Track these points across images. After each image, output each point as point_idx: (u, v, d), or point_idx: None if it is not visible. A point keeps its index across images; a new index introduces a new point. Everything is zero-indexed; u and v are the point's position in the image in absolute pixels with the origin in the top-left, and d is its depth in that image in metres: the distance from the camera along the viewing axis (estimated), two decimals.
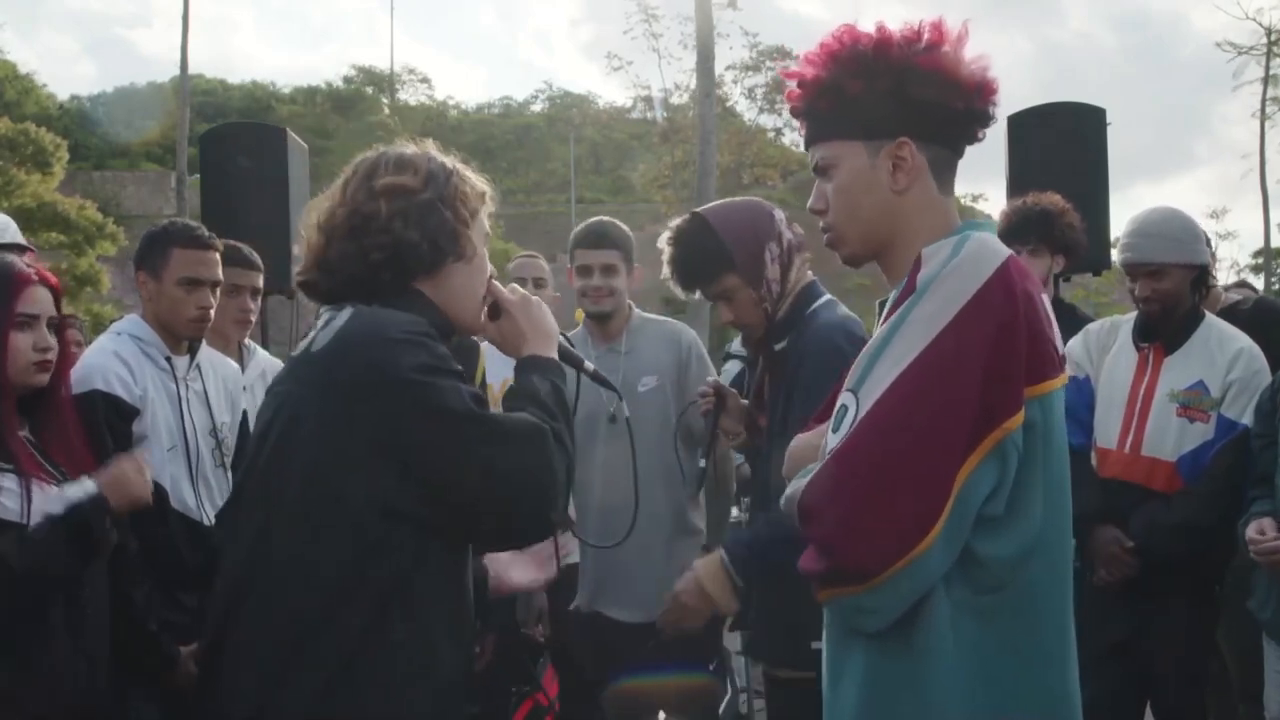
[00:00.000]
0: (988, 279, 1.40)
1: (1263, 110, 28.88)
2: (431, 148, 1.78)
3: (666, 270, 2.48)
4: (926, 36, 1.53)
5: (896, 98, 1.52)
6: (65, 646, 2.03)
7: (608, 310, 3.20)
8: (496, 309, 1.81)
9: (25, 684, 1.95)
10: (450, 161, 1.76)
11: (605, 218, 3.35)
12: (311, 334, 1.67)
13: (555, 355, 1.81)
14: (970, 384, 1.36)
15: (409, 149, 1.76)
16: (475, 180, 1.78)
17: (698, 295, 2.50)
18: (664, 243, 2.47)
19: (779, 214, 2.46)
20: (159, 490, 2.51)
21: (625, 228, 3.30)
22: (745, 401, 2.65)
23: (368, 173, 1.71)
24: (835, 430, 1.43)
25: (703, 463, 2.67)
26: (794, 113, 1.65)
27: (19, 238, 3.23)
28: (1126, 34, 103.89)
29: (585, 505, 3.11)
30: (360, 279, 1.67)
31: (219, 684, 1.60)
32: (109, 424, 2.43)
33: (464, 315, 1.77)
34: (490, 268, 1.82)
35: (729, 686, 3.86)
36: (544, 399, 1.69)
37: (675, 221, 2.50)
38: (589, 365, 2.00)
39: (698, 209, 2.52)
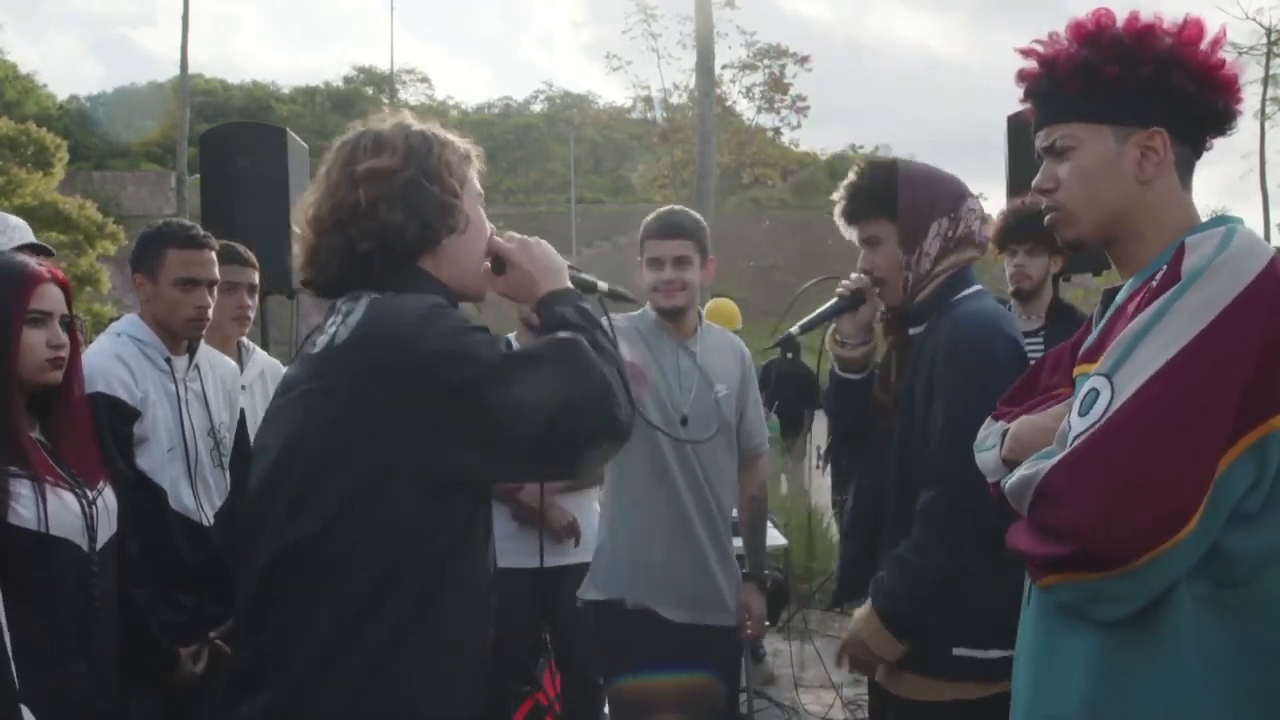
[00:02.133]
0: (1258, 273, 1.38)
1: (1263, 110, 28.84)
2: (409, 117, 1.72)
3: (838, 200, 2.40)
4: (1187, 31, 1.52)
5: (1157, 87, 1.51)
6: (72, 645, 2.03)
7: (681, 305, 3.00)
8: (500, 263, 1.77)
9: (30, 683, 1.95)
10: (430, 129, 1.70)
11: (678, 206, 3.16)
12: (332, 328, 1.62)
13: (569, 285, 1.78)
14: (1237, 378, 1.34)
15: (385, 125, 1.69)
16: (458, 143, 1.73)
17: (855, 236, 2.39)
18: (851, 172, 2.40)
19: (974, 204, 2.35)
20: (158, 491, 2.52)
21: (698, 216, 3.10)
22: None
23: (347, 159, 1.66)
24: (1083, 414, 1.41)
25: (796, 328, 2.47)
26: (1028, 92, 1.62)
27: (32, 238, 3.22)
28: None
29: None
30: (352, 271, 1.63)
31: (256, 674, 1.57)
32: (110, 427, 2.43)
33: (470, 284, 1.74)
34: (490, 225, 1.78)
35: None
36: (571, 319, 1.68)
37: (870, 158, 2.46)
38: (603, 285, 1.95)
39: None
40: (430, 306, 1.57)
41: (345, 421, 1.54)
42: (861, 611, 2.25)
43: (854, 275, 2.42)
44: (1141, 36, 1.53)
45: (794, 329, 2.45)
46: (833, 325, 2.48)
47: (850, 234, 2.39)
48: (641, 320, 3.06)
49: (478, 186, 1.75)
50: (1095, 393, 1.41)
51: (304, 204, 1.70)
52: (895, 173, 2.33)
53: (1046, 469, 1.41)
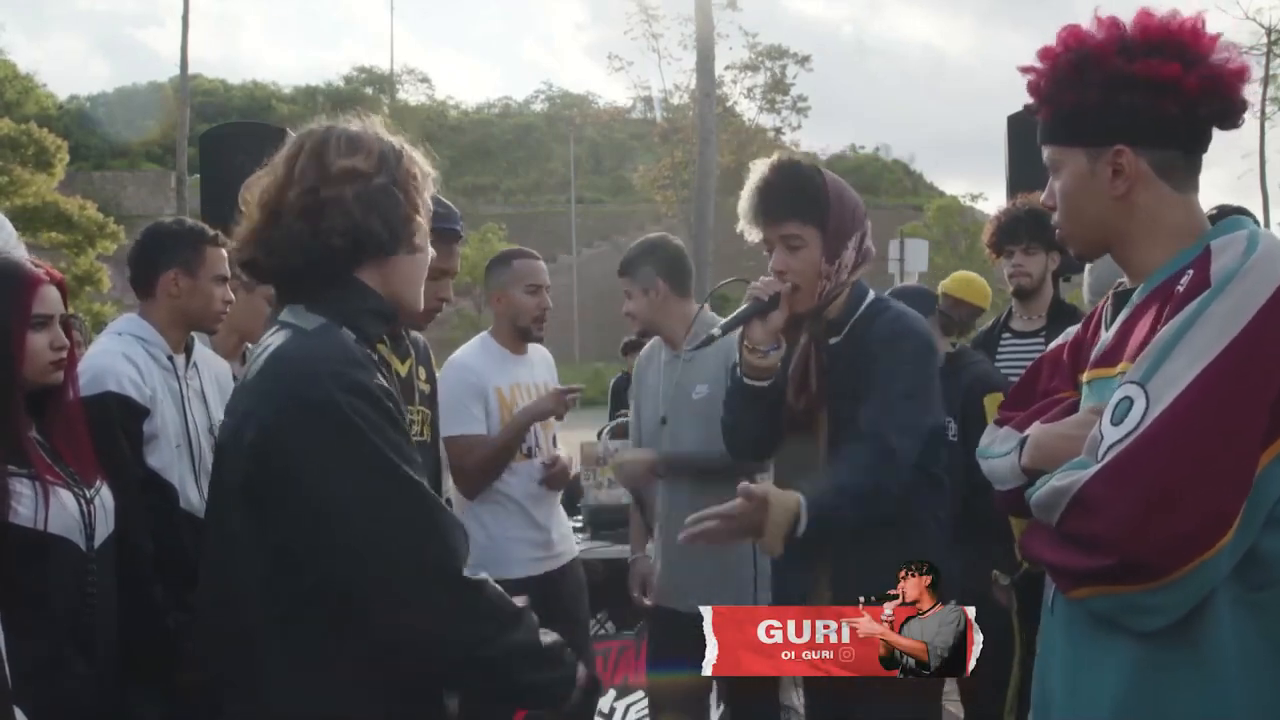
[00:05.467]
0: None
1: (1263, 110, 28.81)
2: (379, 126, 1.71)
3: (747, 195, 2.33)
4: (1143, 38, 1.51)
5: (1107, 108, 1.53)
6: (69, 644, 2.04)
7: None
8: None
9: (29, 681, 1.95)
10: (398, 141, 1.70)
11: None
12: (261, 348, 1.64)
13: None
14: (1272, 382, 1.34)
15: (354, 125, 1.69)
16: (422, 161, 1.73)
17: (758, 236, 2.34)
18: (761, 167, 2.34)
19: (868, 223, 2.40)
20: (168, 490, 2.52)
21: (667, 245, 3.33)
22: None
23: (317, 150, 1.64)
24: (1116, 423, 1.40)
25: (718, 330, 2.36)
26: (1027, 109, 1.70)
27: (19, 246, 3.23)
28: None
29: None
30: (310, 263, 1.62)
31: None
32: (122, 426, 2.43)
33: (410, 302, 1.74)
34: (432, 251, 1.77)
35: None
36: None
37: (780, 156, 2.40)
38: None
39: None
40: (322, 397, 1.51)
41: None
42: (779, 493, 2.08)
43: (764, 278, 2.33)
44: (1095, 58, 1.53)
45: (715, 330, 2.35)
46: (740, 330, 2.36)
47: (757, 232, 2.34)
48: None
49: (429, 205, 1.75)
50: (1129, 401, 1.39)
51: (252, 185, 1.67)
52: (824, 180, 2.33)
53: (1083, 479, 1.39)
